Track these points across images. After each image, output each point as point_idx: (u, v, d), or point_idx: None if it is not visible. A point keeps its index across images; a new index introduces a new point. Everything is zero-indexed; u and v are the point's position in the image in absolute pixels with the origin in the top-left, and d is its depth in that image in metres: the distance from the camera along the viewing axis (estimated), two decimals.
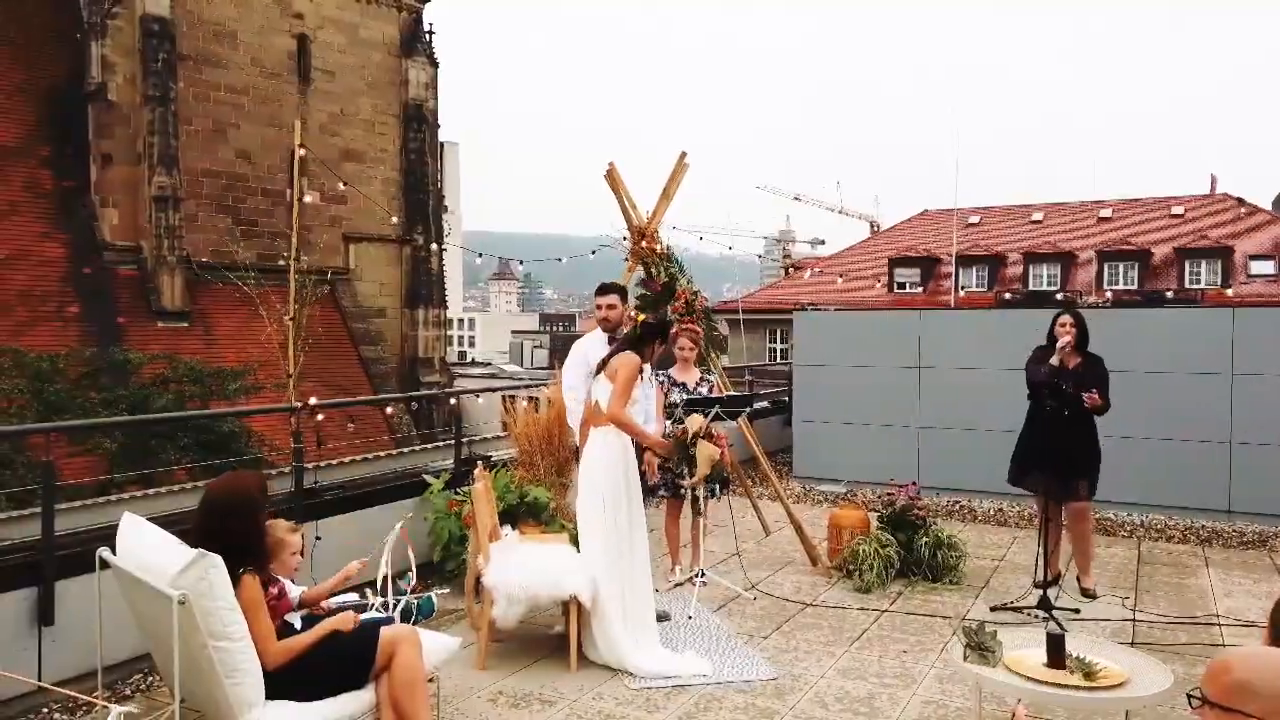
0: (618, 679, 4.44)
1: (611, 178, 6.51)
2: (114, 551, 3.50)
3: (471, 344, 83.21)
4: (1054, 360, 5.72)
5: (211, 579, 3.12)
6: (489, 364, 54.88)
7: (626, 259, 6.54)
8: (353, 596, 4.10)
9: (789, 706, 4.15)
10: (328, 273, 26.83)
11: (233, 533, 3.30)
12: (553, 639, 4.88)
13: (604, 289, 5.58)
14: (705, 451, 5.32)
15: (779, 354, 35.32)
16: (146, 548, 3.49)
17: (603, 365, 4.72)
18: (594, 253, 7.20)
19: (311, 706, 3.32)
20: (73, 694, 3.61)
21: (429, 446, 7.18)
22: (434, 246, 29.31)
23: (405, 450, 7.03)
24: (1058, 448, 5.46)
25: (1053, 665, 3.34)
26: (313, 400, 5.65)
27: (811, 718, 4.05)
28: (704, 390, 5.72)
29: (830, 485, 9.28)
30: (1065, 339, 5.68)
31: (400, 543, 4.16)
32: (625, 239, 6.57)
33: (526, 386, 7.06)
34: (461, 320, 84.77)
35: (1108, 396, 5.55)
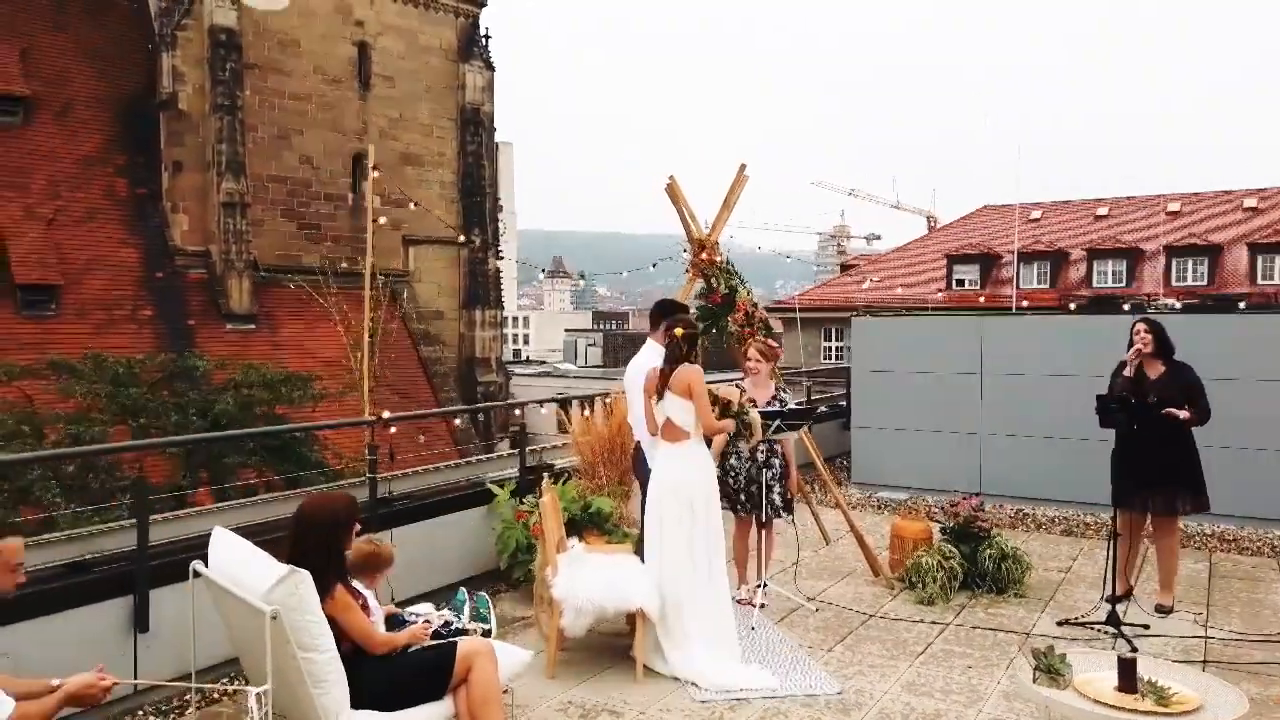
0: (682, 690, 4.51)
1: (672, 191, 6.58)
2: (205, 563, 3.69)
3: (526, 342, 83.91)
4: (1127, 371, 5.64)
5: (301, 594, 3.27)
6: (543, 362, 55.33)
7: (687, 271, 6.61)
8: (428, 607, 4.22)
9: None
10: (389, 275, 27.37)
11: (322, 549, 3.46)
12: (616, 649, 4.97)
13: (670, 310, 5.57)
14: (752, 415, 5.38)
15: (834, 353, 35.05)
16: (236, 561, 3.66)
17: (663, 384, 4.77)
18: (655, 265, 7.29)
19: (393, 716, 3.45)
20: (209, 686, 3.81)
21: (492, 456, 7.33)
22: (496, 253, 29.62)
23: (469, 460, 7.19)
24: (1146, 461, 5.37)
25: (1124, 689, 3.33)
26: (386, 414, 5.82)
27: None
28: (775, 407, 5.72)
29: (889, 492, 9.23)
30: (1135, 347, 5.60)
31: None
32: (686, 251, 6.64)
33: (591, 397, 7.14)
34: (515, 319, 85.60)
35: (1203, 404, 5.42)
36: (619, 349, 53.69)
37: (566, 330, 72.02)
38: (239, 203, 26.02)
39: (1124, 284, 31.35)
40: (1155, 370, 5.61)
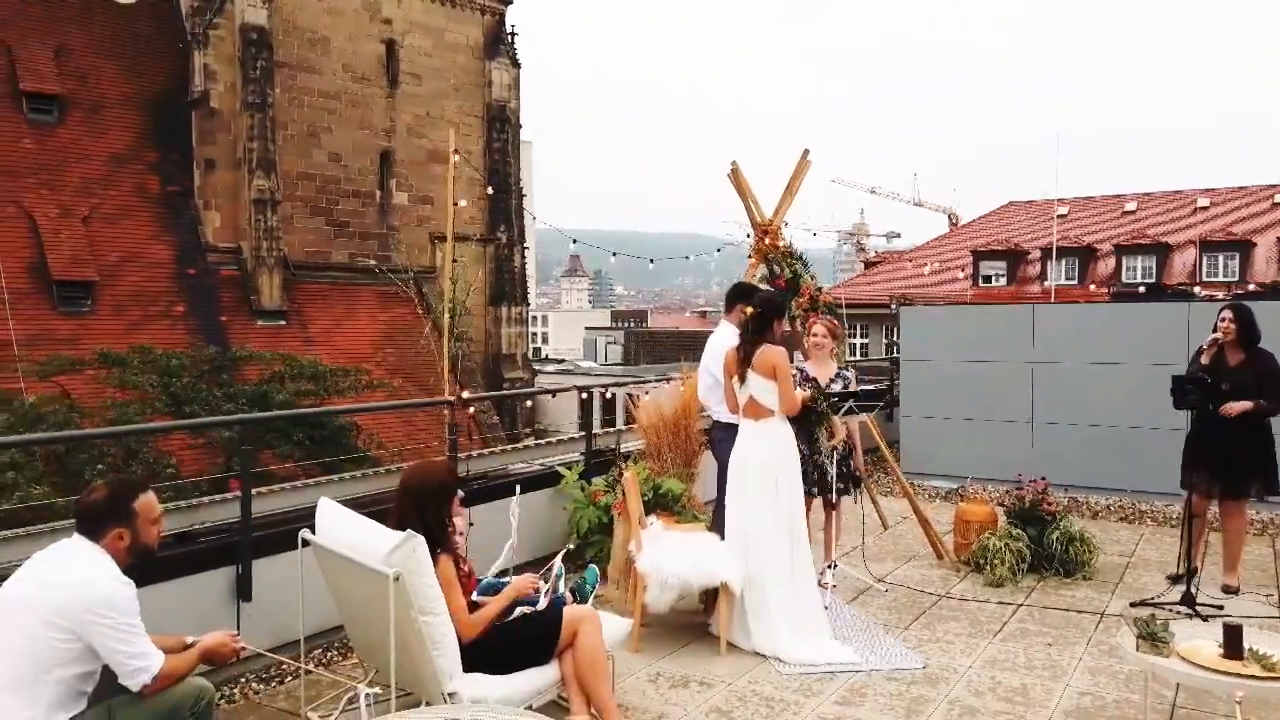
0: (767, 664, 4.57)
1: (735, 177, 6.64)
2: (313, 532, 3.77)
3: (544, 341, 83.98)
4: (1203, 358, 5.64)
5: (419, 557, 3.36)
6: (563, 360, 55.42)
7: (750, 256, 6.66)
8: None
9: (942, 695, 4.23)
10: (416, 272, 27.64)
11: (429, 515, 3.54)
12: (694, 626, 5.04)
13: (745, 293, 5.61)
14: (834, 419, 5.45)
15: (860, 349, 34.96)
16: (344, 529, 3.74)
17: (745, 364, 4.81)
18: (719, 250, 7.35)
19: (504, 680, 3.53)
20: (338, 660, 3.89)
21: (554, 440, 7.42)
22: (522, 250, 29.80)
23: (533, 444, 7.29)
24: (1217, 445, 5.39)
25: (1230, 656, 3.36)
26: (465, 394, 5.91)
27: (967, 705, 4.12)
28: (838, 386, 5.77)
29: (939, 480, 9.24)
30: (1214, 335, 5.60)
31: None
32: (749, 236, 6.69)
33: (651, 382, 7.21)
34: (534, 317, 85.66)
35: (1274, 394, 5.39)
36: (640, 347, 53.65)
37: (587, 328, 72.04)
38: (269, 200, 26.27)
39: (1153, 279, 31.11)
40: (1236, 357, 5.59)
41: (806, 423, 5.26)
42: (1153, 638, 3.47)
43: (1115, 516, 7.96)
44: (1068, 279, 33.15)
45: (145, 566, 3.89)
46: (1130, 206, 36.09)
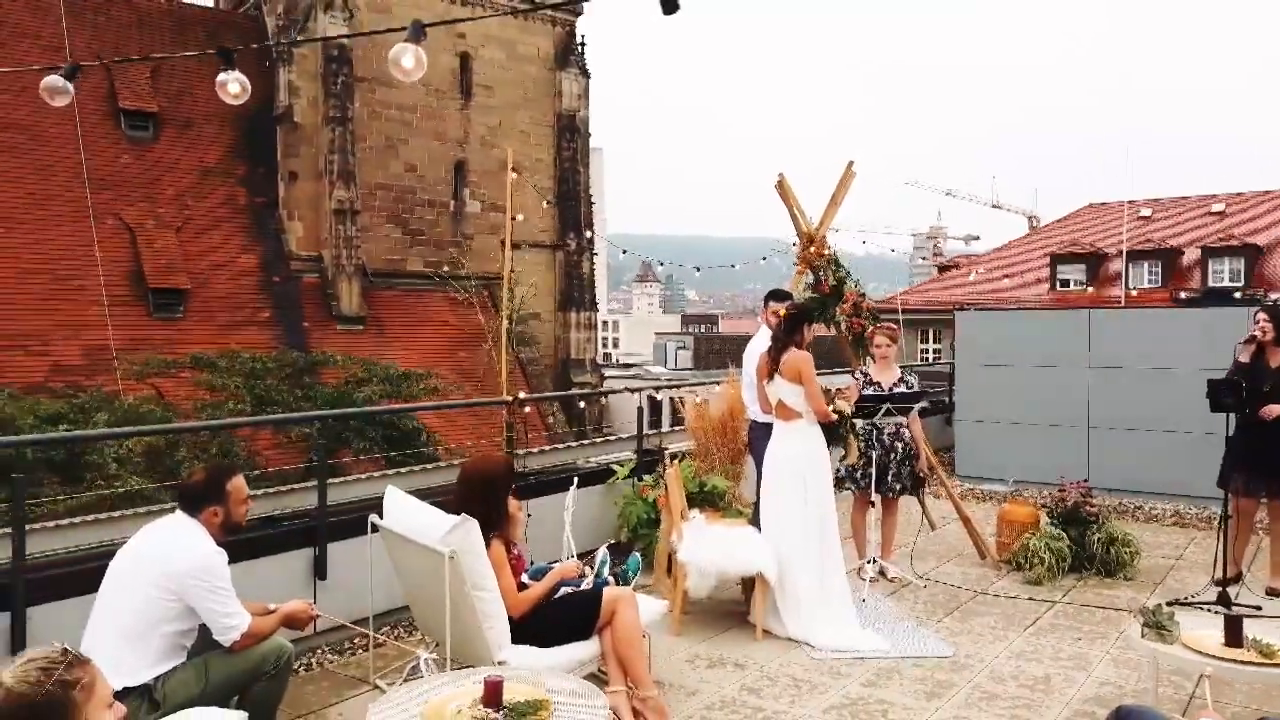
0: (800, 649, 4.84)
1: (782, 188, 6.90)
2: (380, 517, 4.19)
3: (615, 345, 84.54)
4: (1242, 357, 5.71)
5: (472, 538, 3.74)
6: (633, 365, 55.82)
7: (796, 264, 6.92)
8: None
9: (966, 680, 4.44)
10: (487, 278, 28.42)
11: (485, 503, 3.92)
12: (734, 614, 5.33)
13: (778, 296, 5.90)
14: (850, 439, 5.65)
15: (931, 354, 34.57)
16: (408, 515, 4.15)
17: (773, 367, 5.09)
18: (764, 259, 7.63)
19: (548, 652, 3.89)
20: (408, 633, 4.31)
21: (610, 439, 7.79)
22: (591, 257, 30.35)
23: (588, 442, 7.65)
24: (1260, 447, 5.48)
25: (1230, 644, 3.52)
26: (521, 394, 6.31)
27: (988, 692, 4.33)
28: (901, 390, 6.00)
29: (994, 484, 9.31)
30: (1251, 334, 5.67)
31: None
32: (795, 245, 6.95)
33: (702, 384, 7.51)
34: (605, 322, 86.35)
35: None
36: (709, 352, 53.74)
37: (657, 334, 72.33)
38: (349, 210, 27.32)
39: (1241, 282, 30.06)
40: (1277, 358, 5.66)
41: (830, 437, 5.32)
42: (1158, 627, 3.64)
43: (1169, 521, 7.96)
44: (1150, 282, 32.22)
45: (238, 545, 4.37)
46: (1218, 207, 34.88)
